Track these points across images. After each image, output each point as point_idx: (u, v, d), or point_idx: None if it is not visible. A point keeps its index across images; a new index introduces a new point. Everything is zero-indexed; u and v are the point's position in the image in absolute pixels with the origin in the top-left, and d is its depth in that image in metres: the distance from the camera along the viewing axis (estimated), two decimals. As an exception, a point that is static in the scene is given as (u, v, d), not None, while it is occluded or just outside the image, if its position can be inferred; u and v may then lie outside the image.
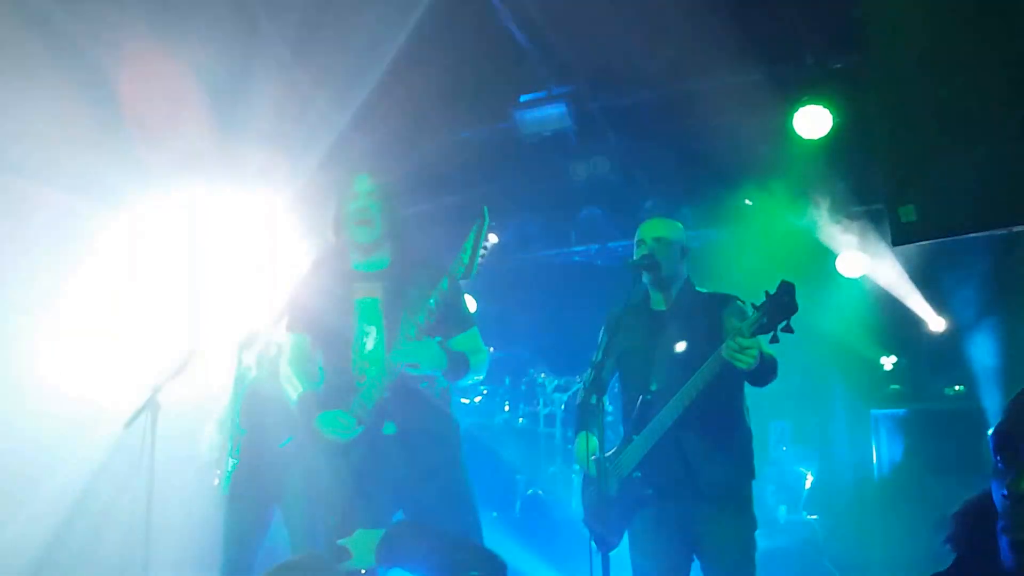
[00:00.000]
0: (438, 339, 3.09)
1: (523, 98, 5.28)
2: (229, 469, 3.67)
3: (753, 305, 2.93)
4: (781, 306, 2.85)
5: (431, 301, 3.05)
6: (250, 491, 3.68)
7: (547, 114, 5.25)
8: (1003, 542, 1.11)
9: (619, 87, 5.21)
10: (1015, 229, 1.80)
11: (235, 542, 3.69)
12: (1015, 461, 1.13)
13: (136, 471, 3.14)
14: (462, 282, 3.05)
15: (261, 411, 3.69)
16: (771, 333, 2.88)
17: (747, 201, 5.13)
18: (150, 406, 3.25)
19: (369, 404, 3.06)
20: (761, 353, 2.94)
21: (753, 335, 2.91)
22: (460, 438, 3.28)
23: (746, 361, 2.89)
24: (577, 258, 6.33)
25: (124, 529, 3.15)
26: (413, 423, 3.11)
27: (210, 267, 5.80)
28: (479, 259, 2.96)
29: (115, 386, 4.72)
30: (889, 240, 2.03)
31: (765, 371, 3.05)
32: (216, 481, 3.75)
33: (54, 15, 4.08)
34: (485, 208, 3.00)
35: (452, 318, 3.15)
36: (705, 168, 5.13)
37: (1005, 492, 1.11)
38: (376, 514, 3.02)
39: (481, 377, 3.30)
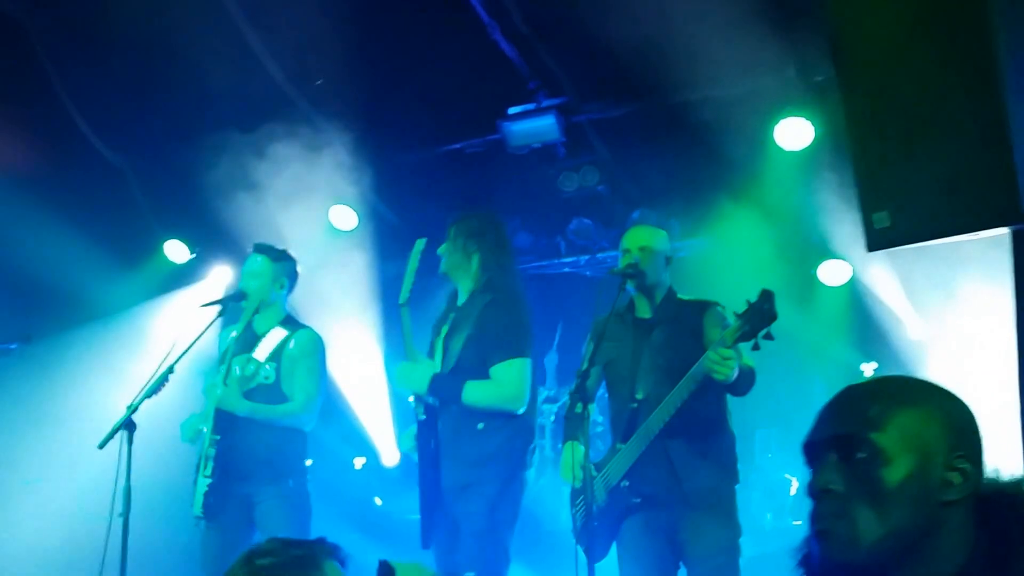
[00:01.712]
0: (435, 368, 3.43)
1: (512, 110, 5.32)
2: (203, 489, 3.62)
3: (735, 313, 2.97)
4: (762, 314, 2.89)
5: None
6: (225, 512, 3.64)
7: (536, 126, 5.29)
8: (810, 537, 1.22)
9: (607, 99, 5.27)
10: (982, 234, 1.85)
11: (211, 565, 3.67)
12: (814, 465, 1.25)
13: (111, 492, 3.11)
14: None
15: (232, 430, 3.66)
16: (753, 340, 2.92)
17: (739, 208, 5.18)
18: (125, 425, 3.19)
19: (420, 415, 3.45)
20: (739, 365, 2.99)
21: (735, 342, 2.95)
22: (504, 469, 3.38)
23: (724, 373, 2.93)
24: (567, 269, 6.35)
25: (99, 552, 3.11)
26: (448, 446, 3.39)
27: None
28: (410, 285, 3.44)
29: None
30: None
31: (743, 382, 3.09)
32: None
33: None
34: (422, 240, 3.52)
35: (491, 344, 3.35)
36: (692, 179, 5.17)
37: (807, 491, 1.24)
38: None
39: (504, 409, 3.36)
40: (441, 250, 3.54)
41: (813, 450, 1.26)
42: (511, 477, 3.40)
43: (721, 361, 2.92)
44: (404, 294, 3.43)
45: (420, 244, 3.51)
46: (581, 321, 3.78)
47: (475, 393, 3.33)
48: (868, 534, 1.16)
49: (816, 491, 1.22)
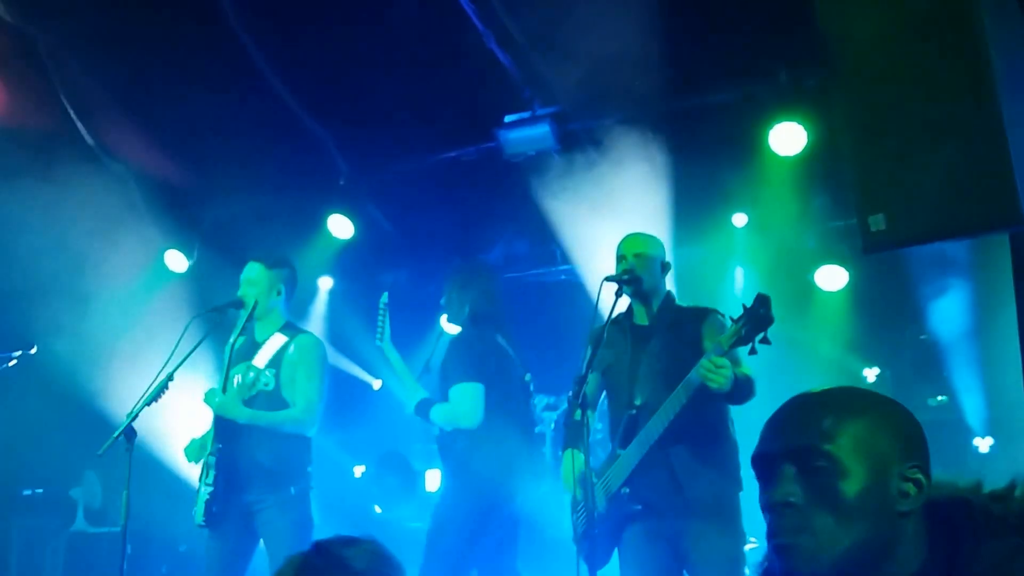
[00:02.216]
0: (423, 394, 3.94)
1: (507, 118, 5.34)
2: (204, 497, 3.61)
3: (731, 318, 2.97)
4: (758, 318, 2.89)
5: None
6: (227, 521, 3.63)
7: (531, 134, 5.31)
8: (770, 551, 1.21)
9: (601, 107, 5.28)
10: (980, 236, 1.85)
11: (213, 574, 3.66)
12: (769, 478, 1.23)
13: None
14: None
15: (233, 438, 3.66)
16: (749, 345, 2.92)
17: (739, 216, 5.19)
18: (125, 433, 3.19)
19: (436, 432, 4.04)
20: (736, 374, 2.98)
21: (732, 347, 2.94)
22: (473, 488, 3.82)
23: (718, 381, 2.92)
24: (563, 276, 6.35)
25: (97, 559, 3.11)
26: (446, 461, 3.95)
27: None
28: (381, 328, 3.98)
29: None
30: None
31: (740, 391, 3.07)
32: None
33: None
34: (385, 294, 4.07)
35: (450, 372, 3.85)
36: (687, 186, 5.18)
37: (763, 505, 1.22)
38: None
39: (458, 426, 3.84)
40: (442, 302, 4.10)
41: (766, 462, 1.24)
42: (490, 490, 3.84)
43: (715, 370, 2.91)
44: (379, 337, 3.98)
45: (384, 297, 4.06)
46: (579, 327, 3.80)
47: (436, 413, 3.85)
48: (832, 546, 1.15)
49: (775, 504, 1.20)
